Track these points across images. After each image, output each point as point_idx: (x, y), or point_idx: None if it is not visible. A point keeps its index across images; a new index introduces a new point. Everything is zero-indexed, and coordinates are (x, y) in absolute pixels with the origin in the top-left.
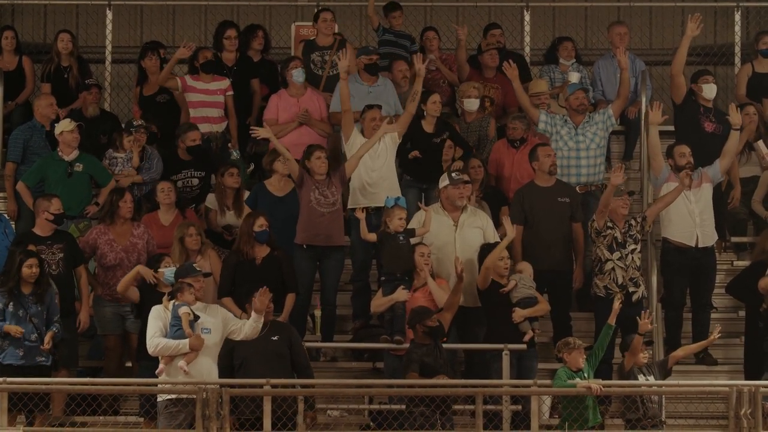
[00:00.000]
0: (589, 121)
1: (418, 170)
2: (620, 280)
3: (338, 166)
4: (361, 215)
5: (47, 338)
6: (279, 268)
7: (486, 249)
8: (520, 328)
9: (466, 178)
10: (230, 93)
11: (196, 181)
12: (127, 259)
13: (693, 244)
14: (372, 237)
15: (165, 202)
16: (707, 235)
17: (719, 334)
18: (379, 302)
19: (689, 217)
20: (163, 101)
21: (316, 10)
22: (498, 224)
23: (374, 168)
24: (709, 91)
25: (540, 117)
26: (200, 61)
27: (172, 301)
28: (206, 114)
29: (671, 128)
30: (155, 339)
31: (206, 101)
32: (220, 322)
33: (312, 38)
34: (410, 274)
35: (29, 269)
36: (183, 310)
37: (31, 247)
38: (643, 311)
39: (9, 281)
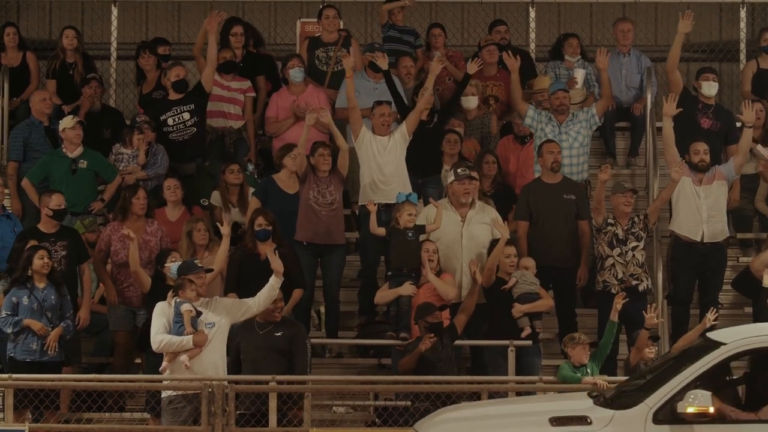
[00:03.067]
0: (573, 120)
1: (414, 162)
2: (620, 276)
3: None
4: (373, 208)
5: (52, 338)
6: (285, 265)
7: (495, 244)
8: (518, 324)
9: (473, 174)
10: (251, 95)
11: (187, 115)
12: (139, 257)
13: (698, 239)
14: (381, 231)
15: (171, 200)
16: (714, 232)
17: (716, 321)
18: (383, 294)
19: (696, 212)
20: (159, 98)
21: (321, 7)
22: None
23: (384, 164)
24: (707, 89)
25: (527, 112)
26: (219, 61)
27: (175, 298)
28: (222, 108)
29: (659, 124)
30: (159, 336)
31: (224, 96)
32: (224, 315)
33: (317, 35)
34: (417, 271)
35: (41, 260)
36: (185, 307)
37: (33, 243)
38: (649, 305)
39: (21, 275)
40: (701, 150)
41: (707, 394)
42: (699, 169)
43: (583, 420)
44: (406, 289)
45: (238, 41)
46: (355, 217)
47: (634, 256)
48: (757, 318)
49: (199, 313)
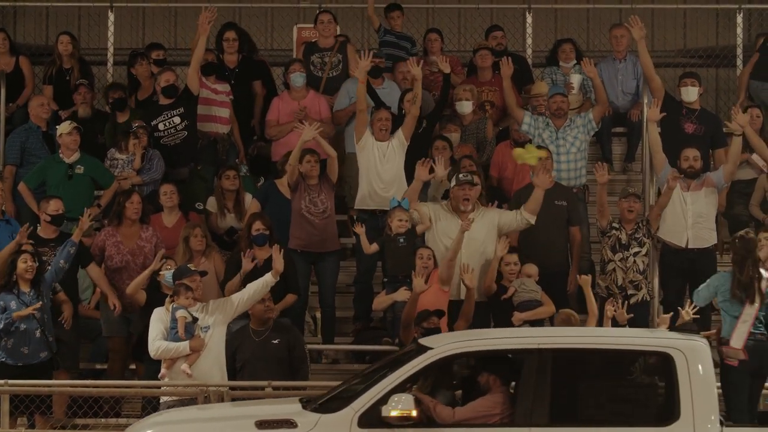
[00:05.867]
0: (570, 125)
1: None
2: (620, 282)
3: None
4: (361, 230)
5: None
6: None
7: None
8: None
9: (475, 180)
10: (231, 98)
11: (177, 119)
12: (133, 262)
13: (683, 245)
14: (373, 248)
15: (167, 205)
16: (699, 237)
17: (697, 315)
18: (380, 300)
19: (681, 218)
20: (156, 100)
21: (317, 12)
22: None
23: (384, 172)
24: (686, 94)
25: (524, 118)
26: (201, 63)
27: (171, 304)
28: (214, 113)
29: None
30: (156, 342)
31: (214, 100)
32: (219, 317)
33: (313, 40)
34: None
35: (24, 264)
36: (179, 313)
37: (27, 247)
38: (615, 300)
39: (8, 281)
40: (691, 156)
41: (410, 398)
42: (688, 175)
43: (289, 423)
44: (401, 294)
45: (231, 46)
46: (352, 222)
47: (635, 262)
48: None
49: (195, 319)
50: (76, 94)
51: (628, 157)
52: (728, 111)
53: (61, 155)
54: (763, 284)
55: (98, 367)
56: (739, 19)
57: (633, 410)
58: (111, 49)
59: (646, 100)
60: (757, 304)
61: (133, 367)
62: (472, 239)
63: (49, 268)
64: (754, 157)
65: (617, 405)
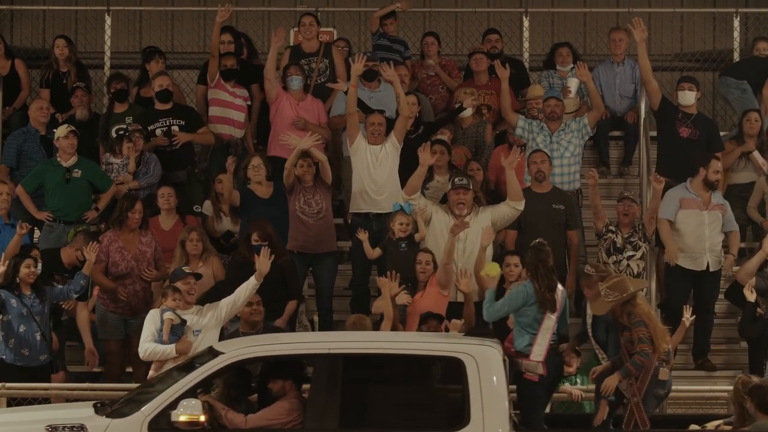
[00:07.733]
0: (565, 129)
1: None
2: None
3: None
4: (363, 236)
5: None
6: (281, 275)
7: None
8: None
9: (469, 185)
10: (249, 103)
11: (176, 128)
12: (137, 268)
13: (703, 268)
14: (377, 253)
15: (165, 208)
16: (716, 260)
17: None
18: (379, 303)
19: (702, 241)
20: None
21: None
22: None
23: (377, 175)
24: (683, 98)
25: (518, 122)
26: (220, 68)
27: (162, 306)
28: (229, 116)
29: (653, 133)
30: (145, 344)
31: (230, 102)
32: (213, 320)
33: (298, 44)
34: (413, 281)
35: (27, 269)
36: (166, 315)
37: (35, 252)
38: None
39: (11, 283)
40: (720, 170)
41: (199, 403)
42: (712, 187)
43: (79, 428)
44: (401, 298)
45: (227, 49)
46: (348, 226)
47: (629, 265)
48: (742, 328)
49: (183, 321)
50: (73, 98)
51: (625, 161)
52: (725, 116)
53: (58, 159)
54: (558, 295)
55: (95, 369)
56: (736, 23)
57: (423, 414)
58: (108, 53)
59: (643, 104)
60: (555, 315)
61: (129, 369)
62: (468, 241)
63: (59, 286)
64: (755, 154)
65: (408, 409)
